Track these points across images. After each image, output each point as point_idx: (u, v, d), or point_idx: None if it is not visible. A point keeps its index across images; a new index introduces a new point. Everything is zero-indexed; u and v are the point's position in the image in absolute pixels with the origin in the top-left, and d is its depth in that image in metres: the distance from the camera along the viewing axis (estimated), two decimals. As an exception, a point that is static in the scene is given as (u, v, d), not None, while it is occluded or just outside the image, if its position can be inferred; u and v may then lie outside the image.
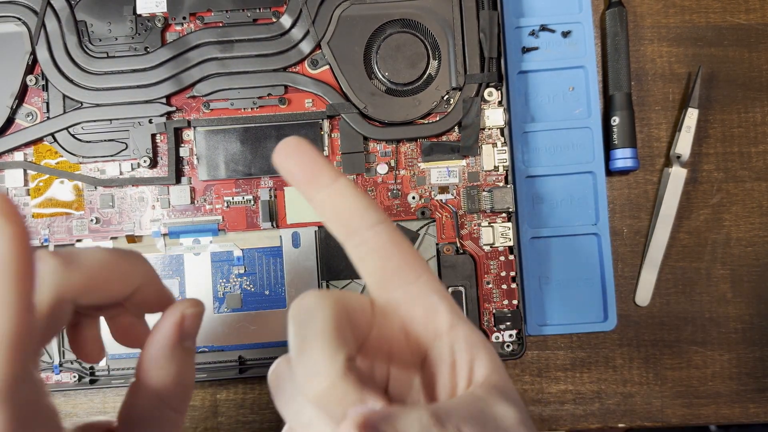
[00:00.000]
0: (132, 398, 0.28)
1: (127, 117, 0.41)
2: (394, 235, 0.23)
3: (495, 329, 0.42)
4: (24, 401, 0.20)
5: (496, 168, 0.42)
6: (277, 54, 0.42)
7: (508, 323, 0.41)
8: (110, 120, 0.41)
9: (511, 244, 0.42)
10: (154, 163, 0.42)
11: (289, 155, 0.23)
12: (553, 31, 0.44)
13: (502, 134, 0.42)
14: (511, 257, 0.42)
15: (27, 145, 0.42)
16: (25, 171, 0.42)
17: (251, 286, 0.42)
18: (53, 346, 0.41)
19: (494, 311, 0.42)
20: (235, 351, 0.42)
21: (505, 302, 0.42)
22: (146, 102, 0.41)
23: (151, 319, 0.28)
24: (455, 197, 0.42)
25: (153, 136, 0.42)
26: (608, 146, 0.44)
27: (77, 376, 0.42)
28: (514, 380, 0.44)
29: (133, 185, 0.42)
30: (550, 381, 0.44)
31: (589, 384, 0.44)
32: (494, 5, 0.41)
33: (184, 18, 0.42)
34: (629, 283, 0.45)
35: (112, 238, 0.42)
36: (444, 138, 0.42)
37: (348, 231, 0.23)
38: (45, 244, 0.42)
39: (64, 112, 0.41)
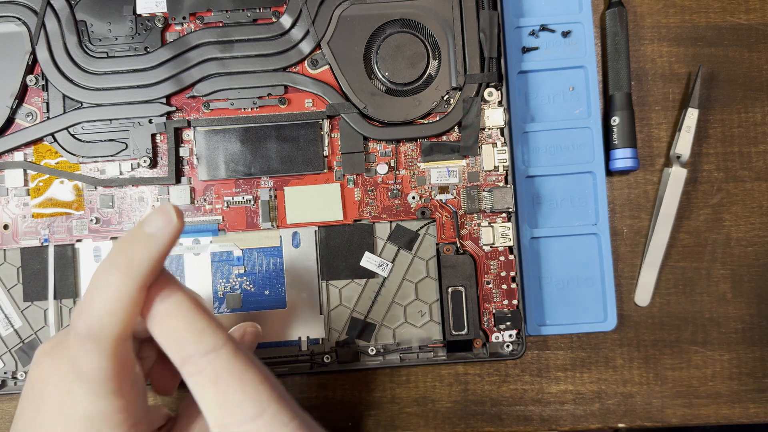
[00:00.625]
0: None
1: (127, 117, 0.41)
2: (234, 363, 0.21)
3: (495, 329, 0.42)
4: (123, 357, 0.24)
5: (496, 168, 0.42)
6: (277, 54, 0.42)
7: (508, 323, 0.41)
8: (110, 120, 0.41)
9: (511, 244, 0.42)
10: (154, 163, 0.42)
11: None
12: (553, 31, 0.44)
13: (502, 134, 0.42)
14: (511, 257, 0.42)
15: (27, 145, 0.42)
16: (25, 171, 0.42)
17: (251, 286, 0.42)
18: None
19: (494, 311, 0.42)
20: (235, 351, 0.42)
21: (505, 302, 0.42)
22: (146, 102, 0.41)
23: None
24: (455, 197, 0.42)
25: (153, 136, 0.42)
26: (608, 146, 0.44)
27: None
28: (514, 380, 0.44)
29: (133, 185, 0.42)
30: (550, 381, 0.44)
31: (589, 384, 0.44)
32: (494, 5, 0.41)
33: (184, 18, 0.42)
34: (629, 283, 0.45)
35: (112, 238, 0.42)
36: (444, 138, 0.42)
37: (182, 357, 0.21)
38: (45, 244, 0.42)
39: (64, 112, 0.41)
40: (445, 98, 0.42)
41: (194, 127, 0.42)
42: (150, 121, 0.42)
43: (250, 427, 0.20)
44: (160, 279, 0.22)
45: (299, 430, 0.21)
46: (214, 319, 0.22)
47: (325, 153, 0.42)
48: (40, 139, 0.42)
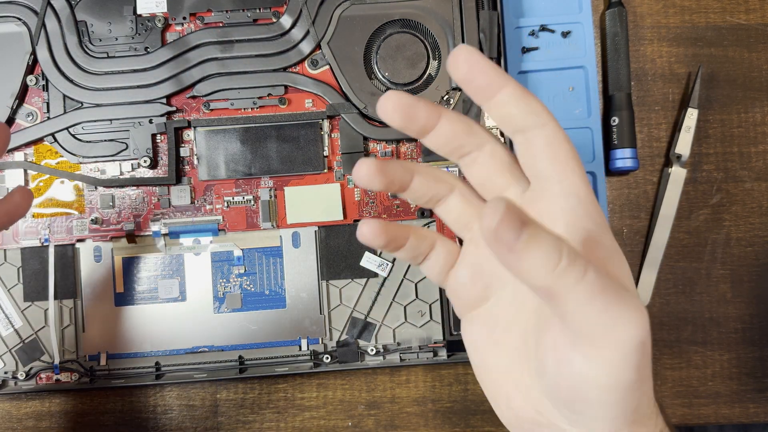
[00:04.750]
0: None
1: (128, 117, 0.41)
2: (553, 139, 0.24)
3: (495, 329, 0.42)
4: None
5: (496, 168, 0.42)
6: (277, 54, 0.42)
7: (508, 323, 0.41)
8: (110, 120, 0.42)
9: (511, 244, 0.41)
10: (154, 163, 0.42)
11: (459, 66, 0.23)
12: (552, 31, 0.44)
13: (502, 134, 0.42)
14: (511, 257, 0.42)
15: (27, 145, 0.42)
16: (25, 171, 0.42)
17: (251, 286, 0.42)
18: (53, 346, 0.41)
19: (494, 311, 0.42)
20: (235, 351, 0.42)
21: (505, 302, 0.42)
22: (146, 102, 0.41)
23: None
24: (455, 197, 0.42)
25: (153, 136, 0.42)
26: (608, 146, 0.44)
27: (77, 376, 0.42)
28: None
29: (133, 185, 0.42)
30: (550, 381, 0.44)
31: (589, 384, 0.44)
32: (494, 5, 0.41)
33: (184, 18, 0.42)
34: (629, 283, 0.45)
35: (112, 238, 0.42)
36: (444, 138, 0.42)
37: (513, 131, 0.25)
38: (45, 244, 0.42)
39: (65, 112, 0.41)
40: (445, 98, 0.42)
41: (194, 127, 0.42)
42: (150, 121, 0.42)
43: (554, 187, 0.24)
44: (494, 80, 0.24)
45: (586, 204, 0.24)
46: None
47: (325, 153, 0.42)
48: (40, 139, 0.42)
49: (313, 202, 0.42)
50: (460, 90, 0.42)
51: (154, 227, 0.42)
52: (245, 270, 0.42)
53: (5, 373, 0.42)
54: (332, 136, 0.42)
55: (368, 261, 0.42)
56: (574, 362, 0.21)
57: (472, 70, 0.23)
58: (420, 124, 0.24)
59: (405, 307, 0.42)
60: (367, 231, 0.25)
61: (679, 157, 0.45)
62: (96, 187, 0.42)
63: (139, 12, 0.42)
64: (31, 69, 0.42)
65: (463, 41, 0.41)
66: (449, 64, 0.23)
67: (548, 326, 0.23)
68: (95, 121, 0.41)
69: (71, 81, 0.41)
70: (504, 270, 0.26)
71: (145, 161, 0.41)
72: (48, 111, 0.42)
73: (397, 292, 0.42)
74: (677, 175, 0.44)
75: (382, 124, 0.42)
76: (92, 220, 0.42)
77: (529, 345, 0.25)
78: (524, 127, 0.24)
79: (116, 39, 0.42)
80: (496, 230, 0.19)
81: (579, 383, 0.22)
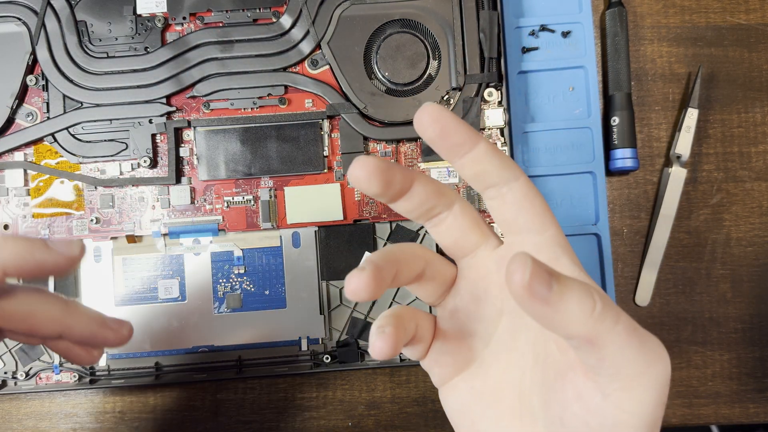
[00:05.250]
0: None
1: (127, 117, 0.41)
2: (527, 191, 0.24)
3: (495, 329, 0.42)
4: None
5: (496, 168, 0.42)
6: (277, 54, 0.42)
7: (508, 323, 0.41)
8: (110, 120, 0.41)
9: (511, 244, 0.41)
10: (154, 163, 0.42)
11: (429, 126, 0.22)
12: (553, 31, 0.44)
13: (502, 134, 0.42)
14: (511, 257, 0.42)
15: (27, 145, 0.42)
16: (25, 171, 0.42)
17: (251, 286, 0.42)
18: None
19: (494, 311, 0.42)
20: (235, 351, 0.42)
21: (505, 302, 0.42)
22: (146, 102, 0.41)
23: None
24: (455, 197, 0.42)
25: (153, 136, 0.42)
26: (608, 146, 0.44)
27: (77, 376, 0.42)
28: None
29: (133, 185, 0.42)
30: (550, 381, 0.44)
31: (589, 384, 0.44)
32: (494, 5, 0.41)
33: (184, 18, 0.42)
34: (629, 283, 0.45)
35: (112, 238, 0.42)
36: (444, 138, 0.42)
37: (485, 186, 0.24)
38: (45, 244, 0.42)
39: (65, 112, 0.41)
40: (445, 98, 0.42)
41: (194, 127, 0.42)
42: (150, 121, 0.42)
43: (537, 239, 0.24)
44: (464, 140, 0.23)
45: (569, 254, 0.24)
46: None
47: (325, 153, 0.42)
48: (40, 139, 0.42)
49: (313, 202, 0.42)
50: (460, 90, 0.42)
51: (154, 227, 0.42)
52: (245, 270, 0.42)
53: (5, 373, 0.42)
54: (332, 136, 0.42)
55: (368, 261, 0.42)
56: (605, 410, 0.20)
57: (445, 130, 0.22)
58: (396, 188, 0.23)
59: (405, 307, 0.42)
60: (381, 346, 0.22)
61: (679, 157, 0.45)
62: (96, 187, 0.42)
63: (139, 12, 0.42)
64: (31, 69, 0.42)
65: (463, 41, 0.41)
66: (416, 125, 0.22)
67: (564, 379, 0.22)
68: (95, 121, 0.41)
69: (71, 81, 0.41)
70: (481, 329, 0.25)
71: (145, 161, 0.41)
72: (48, 111, 0.42)
73: (396, 292, 0.42)
74: (677, 175, 0.44)
75: (382, 124, 0.42)
76: (92, 220, 0.42)
77: (529, 402, 0.24)
78: (498, 182, 0.23)
79: (116, 39, 0.42)
80: (529, 285, 0.18)
81: (610, 430, 0.21)
